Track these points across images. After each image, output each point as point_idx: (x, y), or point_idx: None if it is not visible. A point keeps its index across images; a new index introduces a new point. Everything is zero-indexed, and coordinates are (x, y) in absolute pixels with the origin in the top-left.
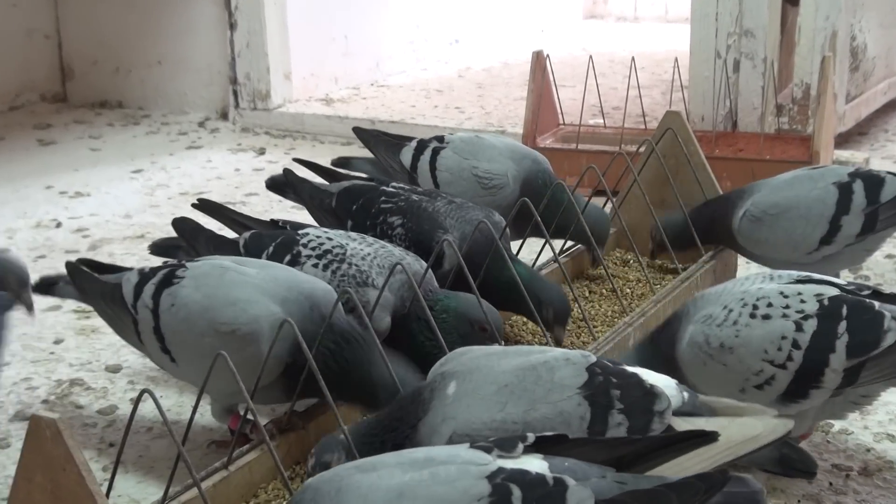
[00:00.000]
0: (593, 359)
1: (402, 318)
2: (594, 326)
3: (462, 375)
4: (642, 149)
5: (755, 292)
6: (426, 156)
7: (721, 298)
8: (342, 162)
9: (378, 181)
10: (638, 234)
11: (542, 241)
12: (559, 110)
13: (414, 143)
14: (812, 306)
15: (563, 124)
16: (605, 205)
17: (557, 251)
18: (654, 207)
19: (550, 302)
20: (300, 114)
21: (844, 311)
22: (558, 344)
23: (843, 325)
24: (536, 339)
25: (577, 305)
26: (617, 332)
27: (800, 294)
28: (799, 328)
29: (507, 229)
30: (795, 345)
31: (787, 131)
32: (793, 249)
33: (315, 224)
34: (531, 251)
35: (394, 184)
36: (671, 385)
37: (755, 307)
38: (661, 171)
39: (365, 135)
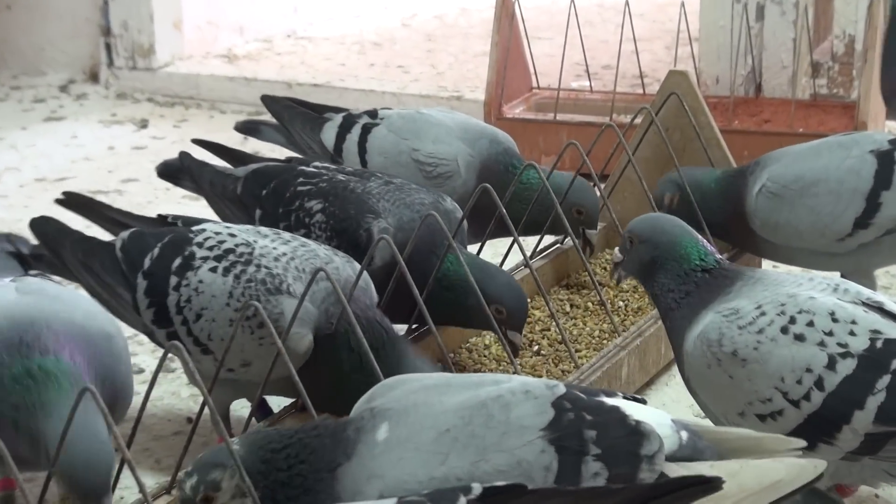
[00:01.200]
0: (562, 389)
1: (326, 338)
2: (577, 350)
3: (395, 416)
4: (639, 120)
5: (802, 302)
6: (354, 135)
7: (764, 292)
8: (249, 127)
9: (296, 161)
10: None
11: (509, 241)
12: (532, 70)
13: (339, 119)
14: (860, 343)
15: (538, 88)
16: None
17: (530, 253)
18: (653, 195)
19: (499, 297)
20: (194, 75)
21: None
22: (514, 353)
23: (885, 381)
24: (502, 368)
25: (554, 324)
26: (606, 358)
27: (853, 322)
28: (831, 365)
29: (465, 221)
30: (819, 384)
31: (825, 97)
32: (820, 234)
33: (216, 219)
34: (495, 253)
35: (316, 163)
36: (665, 422)
37: (792, 320)
38: (662, 148)
39: (276, 106)
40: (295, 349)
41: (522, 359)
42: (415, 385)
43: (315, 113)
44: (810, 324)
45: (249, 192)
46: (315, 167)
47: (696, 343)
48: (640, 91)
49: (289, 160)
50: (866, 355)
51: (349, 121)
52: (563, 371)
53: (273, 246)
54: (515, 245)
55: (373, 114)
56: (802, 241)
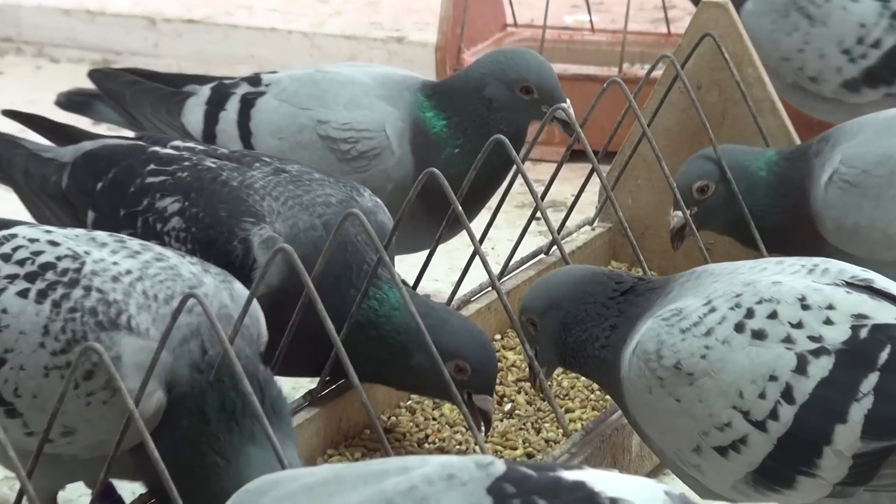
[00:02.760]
0: (499, 468)
1: (185, 398)
2: (568, 410)
3: None
4: (659, 73)
5: (763, 289)
6: (230, 112)
7: (714, 284)
8: (76, 101)
9: (148, 139)
10: (648, 231)
11: (465, 250)
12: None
13: (205, 93)
14: (838, 333)
15: (515, 26)
16: (587, 179)
17: (500, 269)
18: (678, 182)
19: (457, 350)
20: (12, 6)
21: (886, 354)
22: (487, 425)
23: (871, 380)
24: (464, 439)
25: (533, 374)
26: (609, 422)
27: (830, 308)
28: (801, 367)
29: (394, 231)
30: (788, 395)
31: None
32: None
33: (32, 221)
34: (450, 268)
35: (177, 142)
36: (655, 496)
37: (750, 314)
38: (691, 115)
39: (113, 83)
40: (141, 410)
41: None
42: (292, 487)
43: (170, 87)
44: (772, 315)
45: (78, 186)
46: (174, 148)
47: (631, 361)
48: (663, 30)
49: (139, 137)
50: (846, 349)
51: (221, 93)
52: (547, 441)
53: (113, 260)
54: (477, 257)
55: (254, 80)
56: (891, 251)
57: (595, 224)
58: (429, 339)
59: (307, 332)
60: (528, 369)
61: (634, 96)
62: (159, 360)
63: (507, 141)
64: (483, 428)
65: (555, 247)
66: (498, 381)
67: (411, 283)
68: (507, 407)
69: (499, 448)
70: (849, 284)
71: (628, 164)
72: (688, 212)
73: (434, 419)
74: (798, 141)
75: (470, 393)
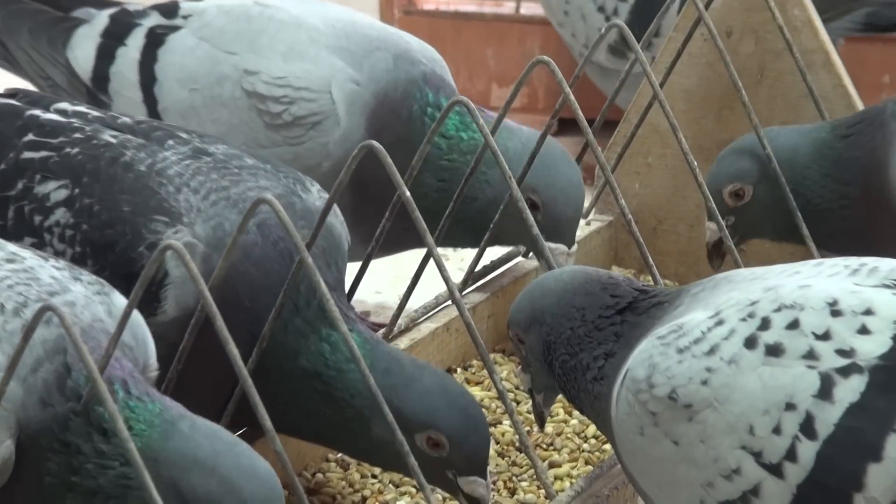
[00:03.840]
0: None
1: (41, 438)
2: (553, 465)
3: None
4: (676, 17)
5: (786, 294)
6: (131, 50)
7: (730, 293)
8: None
9: (25, 98)
10: (662, 227)
11: (419, 253)
12: None
13: (101, 20)
14: (876, 345)
15: None
16: (579, 156)
17: (461, 277)
18: (699, 162)
19: (429, 420)
20: None
21: None
22: None
23: None
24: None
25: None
26: (603, 478)
27: (868, 313)
28: (826, 391)
29: (345, 227)
30: (808, 428)
31: None
32: None
33: None
34: (397, 276)
35: (62, 104)
36: None
37: (764, 324)
38: (718, 72)
39: None
40: None
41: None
42: None
43: (56, 11)
44: (793, 325)
45: None
46: (60, 113)
47: (620, 395)
48: None
49: (12, 94)
50: (884, 365)
51: (122, 23)
52: None
53: None
54: (432, 261)
55: (169, 9)
56: None
57: (591, 217)
58: (385, 409)
59: (218, 365)
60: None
61: (644, 46)
62: (13, 396)
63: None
64: None
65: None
66: None
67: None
68: None
69: None
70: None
71: (635, 137)
72: (723, 222)
73: (374, 477)
74: (860, 105)
75: (455, 476)
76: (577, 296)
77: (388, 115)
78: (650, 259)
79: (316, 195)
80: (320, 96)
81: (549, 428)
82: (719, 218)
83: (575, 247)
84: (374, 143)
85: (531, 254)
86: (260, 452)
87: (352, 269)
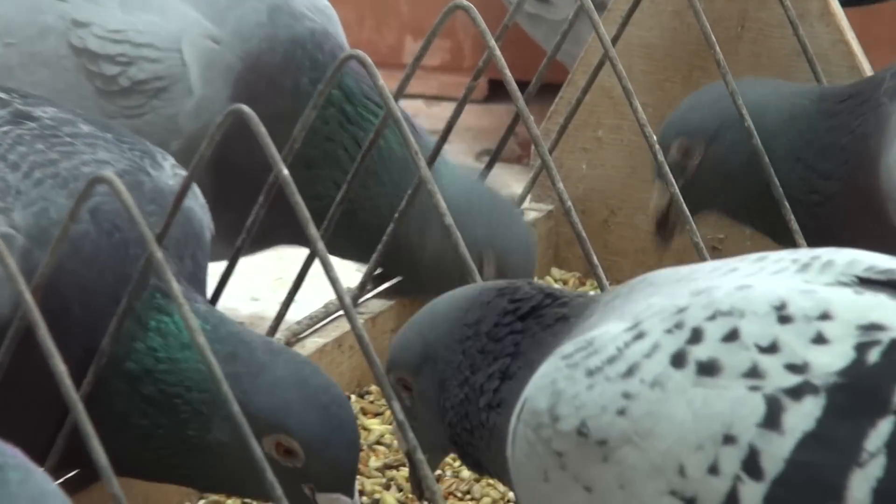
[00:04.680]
0: None
1: None
2: None
3: None
4: None
5: (721, 298)
6: None
7: (651, 298)
8: None
9: None
10: (615, 219)
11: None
12: None
13: None
14: (833, 357)
15: None
16: (510, 129)
17: (360, 281)
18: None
19: (279, 419)
20: None
21: None
22: None
23: (883, 431)
24: None
25: (412, 468)
26: None
27: (823, 318)
28: (772, 418)
29: (209, 216)
30: (752, 464)
31: None
32: None
33: None
34: (280, 279)
35: None
36: None
37: (695, 337)
38: (686, 19)
39: None
40: None
41: None
42: None
43: None
44: (731, 336)
45: None
46: None
47: (518, 431)
48: None
49: None
50: (844, 383)
51: None
52: None
53: None
54: (317, 260)
55: None
56: None
57: (525, 205)
58: (228, 394)
59: (44, 389)
60: (405, 442)
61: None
62: None
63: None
64: None
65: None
66: (362, 471)
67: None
68: None
69: None
70: (863, 282)
71: (582, 105)
72: (674, 184)
73: None
74: (867, 68)
75: (313, 489)
76: (471, 310)
77: (262, 85)
78: (595, 259)
79: (169, 172)
80: (167, 56)
81: (465, 472)
82: (669, 175)
83: None
84: (244, 107)
85: None
86: (97, 499)
87: (218, 270)
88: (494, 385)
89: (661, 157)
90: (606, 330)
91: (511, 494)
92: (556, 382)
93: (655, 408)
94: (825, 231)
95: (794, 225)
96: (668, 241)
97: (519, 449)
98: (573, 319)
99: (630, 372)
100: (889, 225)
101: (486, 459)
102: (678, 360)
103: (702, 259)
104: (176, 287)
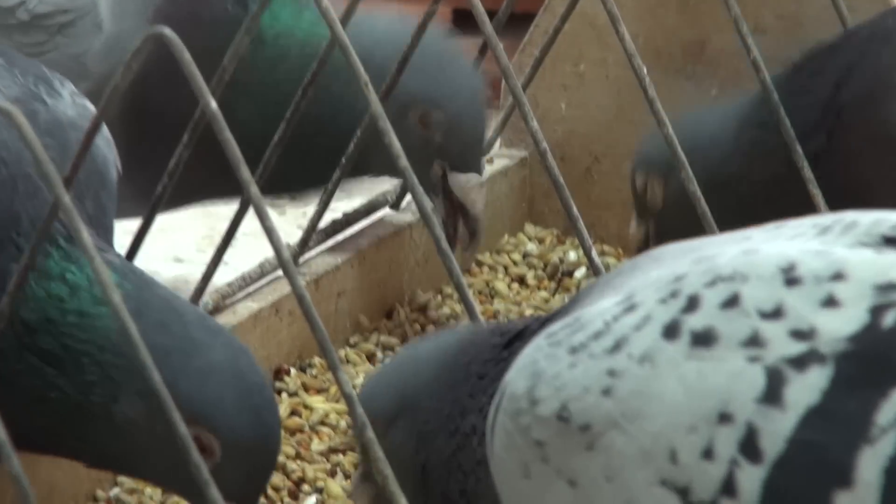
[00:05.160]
0: None
1: None
2: None
3: None
4: None
5: (723, 264)
6: None
7: (650, 273)
8: None
9: None
10: (599, 167)
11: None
12: None
13: None
14: (843, 322)
15: None
16: (477, 62)
17: (301, 237)
18: (656, 72)
19: (196, 406)
20: None
21: None
22: None
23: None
24: None
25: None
26: None
27: (836, 278)
28: (773, 392)
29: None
30: (750, 446)
31: None
32: None
33: None
34: (207, 237)
35: None
36: None
37: (691, 305)
38: None
39: None
40: None
41: None
42: None
43: None
44: (730, 302)
45: None
46: None
47: (497, 423)
48: None
49: None
50: (855, 351)
51: None
52: None
53: None
54: (251, 212)
55: None
56: None
57: (495, 151)
58: (149, 364)
59: None
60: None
61: None
62: None
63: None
64: None
65: (408, 196)
66: (292, 454)
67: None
68: (310, 502)
69: None
70: (889, 241)
71: (561, 35)
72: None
73: None
74: None
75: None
76: (461, 352)
77: (182, 18)
78: (576, 212)
79: (68, 101)
80: None
81: None
82: (640, 211)
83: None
84: (166, 30)
85: (404, 203)
86: None
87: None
88: (479, 415)
89: (651, 99)
90: (597, 307)
91: None
92: (536, 362)
93: (644, 386)
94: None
95: (807, 171)
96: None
97: (497, 442)
98: (567, 307)
99: (617, 347)
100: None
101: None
102: (671, 331)
103: (700, 210)
104: (87, 238)
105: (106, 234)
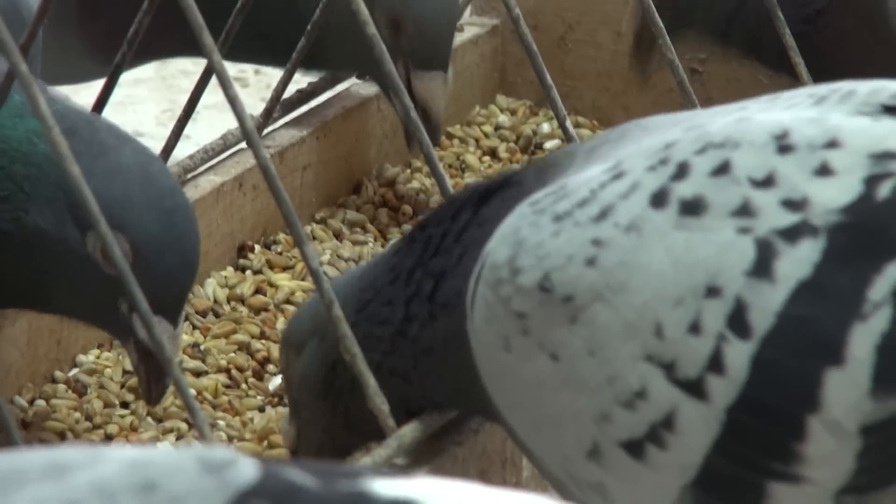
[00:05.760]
0: (248, 474)
1: None
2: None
3: None
4: None
5: (716, 132)
6: None
7: (641, 142)
8: None
9: None
10: (574, 34)
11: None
12: None
13: None
14: (838, 191)
15: None
16: None
17: (265, 107)
18: None
19: (113, 213)
20: None
21: None
22: (158, 392)
23: (891, 275)
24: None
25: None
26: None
27: (831, 145)
28: (763, 265)
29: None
30: (738, 321)
31: None
32: None
33: None
34: (168, 110)
35: None
36: None
37: (681, 171)
38: None
39: None
40: None
41: (245, 409)
42: None
43: None
44: (721, 170)
45: None
46: None
47: (477, 294)
48: None
49: None
50: (848, 223)
51: None
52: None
53: None
54: (214, 80)
55: None
56: None
57: (466, 19)
58: (80, 178)
59: None
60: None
61: None
62: None
63: None
64: (153, 397)
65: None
66: (256, 333)
67: None
68: (275, 382)
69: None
70: (888, 110)
71: None
72: None
73: (125, 406)
74: None
75: (131, 308)
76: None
77: None
78: (549, 80)
79: None
80: None
81: None
82: None
83: (451, 71)
84: None
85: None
86: None
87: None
88: (427, 291)
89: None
90: (585, 174)
91: None
92: (519, 230)
93: (630, 256)
94: (818, 55)
95: (789, 38)
96: (647, 70)
97: (478, 314)
98: (549, 171)
99: (603, 215)
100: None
101: (439, 387)
102: (659, 199)
103: (677, 78)
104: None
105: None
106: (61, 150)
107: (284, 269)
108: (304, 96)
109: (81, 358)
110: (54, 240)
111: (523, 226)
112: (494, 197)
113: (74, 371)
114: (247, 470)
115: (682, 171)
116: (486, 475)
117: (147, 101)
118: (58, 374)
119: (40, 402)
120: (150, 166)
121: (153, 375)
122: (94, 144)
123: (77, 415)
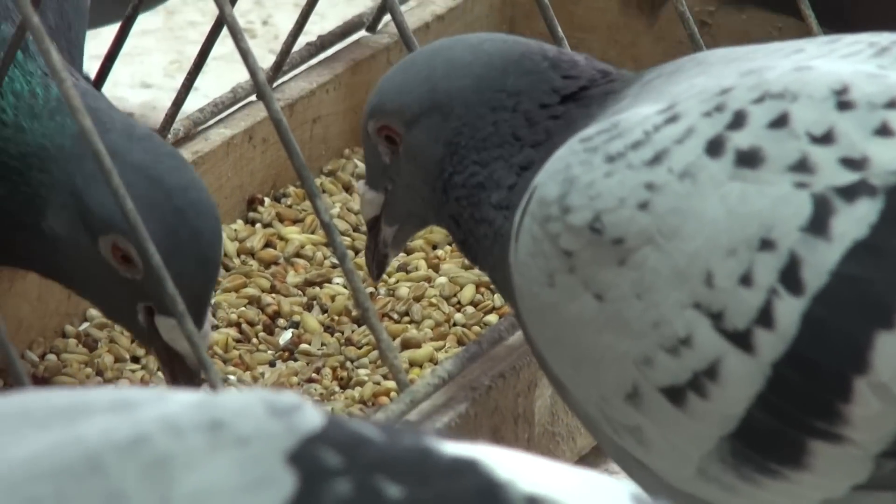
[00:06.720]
0: (314, 420)
1: None
2: (412, 344)
3: None
4: None
5: (773, 80)
6: None
7: (695, 79)
8: None
9: None
10: None
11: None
12: None
13: None
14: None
15: None
16: None
17: (275, 60)
18: None
19: (113, 218)
20: None
21: None
22: (189, 380)
23: None
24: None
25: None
26: (480, 362)
27: (891, 106)
28: (819, 221)
29: None
30: (791, 276)
31: None
32: None
33: None
34: (176, 61)
35: None
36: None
37: (737, 122)
38: None
39: None
40: None
41: (256, 364)
42: None
43: None
44: (779, 122)
45: None
46: None
47: (523, 226)
48: None
49: None
50: None
51: None
52: (363, 402)
53: None
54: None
55: None
56: None
57: None
58: (106, 161)
59: None
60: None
61: None
62: None
63: None
64: (185, 382)
65: (387, 17)
66: (266, 286)
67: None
68: (286, 336)
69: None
70: None
71: None
72: None
73: (136, 360)
74: None
75: (151, 310)
76: (513, 75)
77: None
78: (560, 32)
79: None
80: None
81: (404, 289)
82: None
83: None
84: None
85: (381, 24)
86: None
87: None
88: (511, 181)
89: None
90: (636, 112)
91: (458, 316)
92: (570, 168)
93: (683, 203)
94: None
95: None
96: (651, 14)
97: (522, 247)
98: (610, 98)
99: (657, 159)
100: None
101: (484, 263)
102: (714, 147)
103: (688, 30)
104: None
105: (70, 49)
106: (74, 104)
107: (294, 222)
108: (313, 49)
109: (92, 312)
110: (70, 245)
111: (574, 163)
112: (586, 97)
113: (85, 325)
114: (313, 416)
115: (738, 121)
116: (499, 432)
117: (155, 52)
118: (68, 328)
119: (51, 357)
120: (160, 164)
121: (183, 377)
122: (112, 144)
123: (88, 369)
